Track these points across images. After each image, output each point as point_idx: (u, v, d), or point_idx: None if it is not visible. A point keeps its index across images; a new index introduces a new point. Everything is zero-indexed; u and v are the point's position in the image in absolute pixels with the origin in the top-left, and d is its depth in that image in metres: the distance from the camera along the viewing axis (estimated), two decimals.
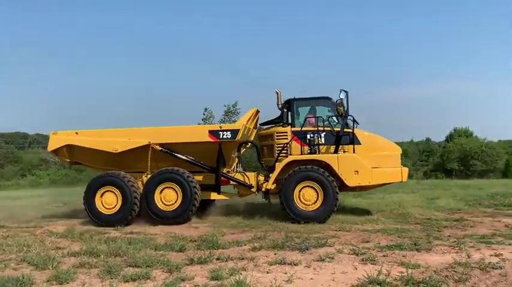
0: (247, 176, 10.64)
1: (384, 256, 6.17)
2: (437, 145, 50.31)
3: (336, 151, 10.16)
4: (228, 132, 10.18)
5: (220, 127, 10.37)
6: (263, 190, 10.38)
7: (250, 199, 11.94)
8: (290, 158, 10.13)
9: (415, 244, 6.81)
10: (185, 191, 9.90)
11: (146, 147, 10.25)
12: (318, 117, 10.38)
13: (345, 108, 10.18)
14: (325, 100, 10.71)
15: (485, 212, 10.87)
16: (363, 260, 5.90)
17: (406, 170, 10.33)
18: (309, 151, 10.22)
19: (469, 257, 5.85)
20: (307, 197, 9.69)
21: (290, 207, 9.64)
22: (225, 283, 4.93)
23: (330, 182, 9.58)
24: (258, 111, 11.27)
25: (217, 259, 6.06)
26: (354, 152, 10.04)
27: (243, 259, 6.10)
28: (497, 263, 5.50)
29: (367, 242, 7.23)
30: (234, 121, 34.96)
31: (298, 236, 7.77)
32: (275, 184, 10.16)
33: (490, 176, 33.79)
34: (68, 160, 11.04)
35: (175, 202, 9.94)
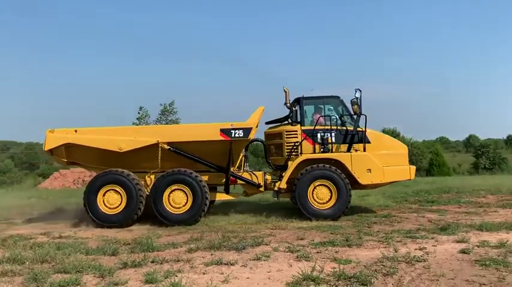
0: (255, 175, 10.52)
1: (318, 252, 6.34)
2: None
3: (348, 150, 10.26)
4: (240, 131, 9.94)
5: (232, 125, 9.98)
6: (276, 189, 10.25)
7: None
8: (303, 157, 10.13)
9: (346, 240, 7.06)
10: (196, 193, 9.61)
11: (154, 146, 9.84)
12: (330, 116, 10.40)
13: (360, 107, 10.22)
14: (333, 99, 10.74)
15: (411, 208, 11.50)
16: (297, 257, 6.02)
17: (413, 168, 10.73)
18: (322, 150, 10.23)
19: (396, 252, 6.16)
20: (321, 195, 9.81)
21: (304, 205, 9.72)
22: (159, 286, 4.83)
23: (344, 181, 9.76)
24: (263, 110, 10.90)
25: (152, 262, 5.92)
26: (364, 150, 10.21)
27: (178, 261, 6.00)
28: (421, 256, 5.83)
29: (302, 239, 7.40)
30: (171, 120, 34.58)
31: (235, 236, 7.78)
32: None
33: (415, 174, 35.78)
34: (65, 160, 10.36)
35: (185, 204, 9.64)
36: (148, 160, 9.93)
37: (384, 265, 5.43)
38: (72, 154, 10.28)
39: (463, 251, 6.09)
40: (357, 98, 10.19)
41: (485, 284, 4.58)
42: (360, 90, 10.17)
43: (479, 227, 7.90)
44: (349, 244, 6.83)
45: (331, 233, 7.87)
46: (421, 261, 5.60)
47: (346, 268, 5.38)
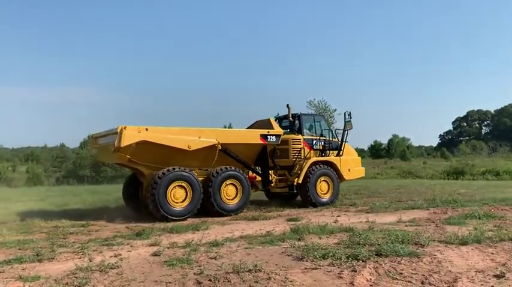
0: (269, 174, 12.69)
1: (0, 272, 5.58)
2: (71, 151, 50.11)
3: (337, 155, 13.33)
4: (274, 137, 11.97)
5: (268, 132, 11.90)
6: (295, 184, 12.45)
7: None
8: (313, 159, 12.84)
9: (37, 254, 6.46)
10: (244, 187, 11.38)
11: (212, 146, 11.06)
12: (329, 129, 13.81)
13: (352, 125, 13.25)
14: (320, 117, 15.15)
15: (110, 216, 11.40)
16: None
17: (364, 169, 14.66)
18: (323, 154, 13.21)
19: (90, 261, 6.02)
20: (323, 188, 12.79)
21: (313, 196, 12.51)
22: None
23: (336, 177, 13.01)
24: None
25: None
26: (342, 155, 13.39)
27: None
28: (115, 263, 5.88)
29: None
30: None
31: None
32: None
33: (119, 181, 36.31)
34: (129, 157, 10.35)
35: (235, 197, 11.27)
36: (198, 159, 11.13)
37: (76, 277, 5.23)
38: (138, 152, 10.33)
39: (154, 254, 6.50)
40: (350, 117, 13.23)
41: (170, 283, 5.00)
42: (350, 112, 13.39)
43: (170, 230, 8.64)
44: (40, 258, 6.29)
45: (20, 249, 7.11)
46: (114, 268, 5.65)
47: (34, 285, 4.96)
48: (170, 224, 9.43)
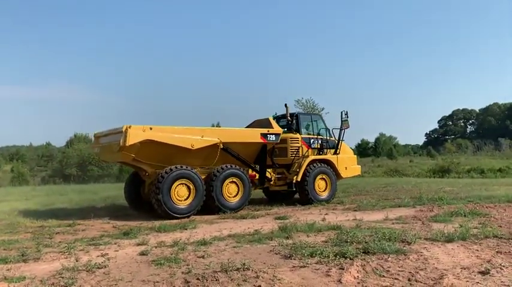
0: (268, 172, 12.85)
1: None
2: (57, 150, 49.62)
3: (335, 153, 13.56)
4: (273, 136, 12.15)
5: (268, 131, 12.10)
6: (294, 182, 12.57)
7: None
8: (311, 158, 12.99)
9: (22, 254, 6.40)
10: (245, 185, 11.54)
11: (214, 145, 11.19)
12: (327, 129, 13.77)
13: (348, 124, 13.31)
14: (317, 116, 15.17)
15: (97, 215, 11.33)
16: None
17: (360, 167, 14.82)
18: (321, 153, 13.45)
19: (77, 261, 5.97)
20: (321, 186, 12.94)
21: (312, 193, 12.61)
22: None
23: (333, 175, 13.18)
24: None
25: None
26: (339, 154, 13.60)
27: None
28: (102, 262, 5.83)
29: None
30: None
31: None
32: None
33: (106, 180, 36.05)
34: (134, 156, 10.40)
35: (237, 194, 11.44)
36: (199, 157, 11.28)
37: (62, 277, 5.17)
38: (142, 151, 10.39)
39: (142, 253, 6.45)
40: (347, 116, 13.29)
41: (158, 282, 4.97)
42: (347, 111, 13.47)
43: (158, 229, 8.59)
44: (26, 259, 6.23)
45: (5, 249, 7.01)
46: (101, 268, 5.60)
47: (19, 286, 4.89)
48: (158, 223, 9.35)
